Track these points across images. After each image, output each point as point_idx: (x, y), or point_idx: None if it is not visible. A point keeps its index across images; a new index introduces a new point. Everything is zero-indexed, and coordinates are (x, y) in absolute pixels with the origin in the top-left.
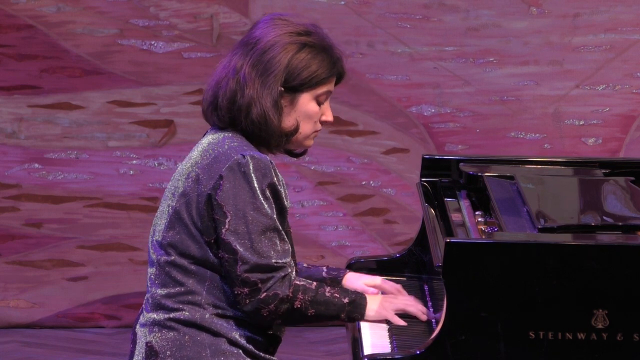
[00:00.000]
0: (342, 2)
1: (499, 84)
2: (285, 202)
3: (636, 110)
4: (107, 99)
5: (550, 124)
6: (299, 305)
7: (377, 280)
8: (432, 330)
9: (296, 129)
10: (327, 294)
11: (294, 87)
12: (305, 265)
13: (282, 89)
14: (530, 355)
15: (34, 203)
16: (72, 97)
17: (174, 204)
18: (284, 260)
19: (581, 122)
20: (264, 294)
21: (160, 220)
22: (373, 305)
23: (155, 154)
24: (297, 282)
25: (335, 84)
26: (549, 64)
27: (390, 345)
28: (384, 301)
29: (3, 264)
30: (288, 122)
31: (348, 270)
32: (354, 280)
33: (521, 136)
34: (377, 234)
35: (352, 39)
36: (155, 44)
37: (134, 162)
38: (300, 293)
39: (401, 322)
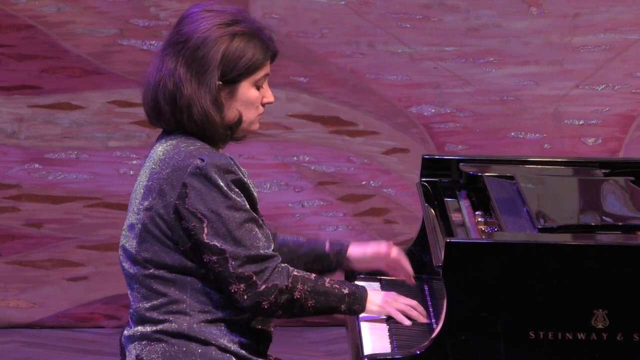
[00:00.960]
0: (343, 2)
1: (499, 84)
2: (254, 193)
3: (636, 110)
4: (107, 99)
5: (550, 124)
6: (298, 296)
7: (382, 247)
8: (432, 330)
9: (240, 120)
10: (327, 285)
11: (231, 79)
12: (302, 239)
13: (220, 83)
14: (530, 355)
15: (34, 203)
16: (72, 97)
17: (140, 217)
18: (271, 249)
19: (581, 122)
20: (263, 286)
21: (129, 234)
22: (376, 300)
23: None
24: (296, 273)
25: (271, 62)
26: (548, 64)
27: (390, 346)
28: (387, 297)
29: (3, 264)
30: (230, 114)
31: (351, 242)
32: (358, 251)
33: (521, 136)
34: (377, 234)
35: (352, 39)
36: (156, 44)
37: (134, 162)
38: (299, 283)
39: (406, 322)
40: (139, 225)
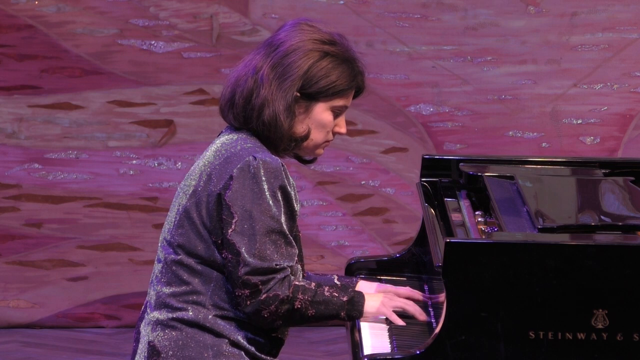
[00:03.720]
0: (341, 2)
1: (497, 83)
2: (296, 205)
3: (634, 109)
4: (107, 99)
5: (548, 123)
6: (299, 306)
7: (389, 288)
8: (432, 330)
9: (307, 136)
10: (327, 293)
11: (310, 94)
12: (310, 274)
13: (298, 94)
14: (530, 355)
15: (34, 203)
16: (72, 97)
17: (184, 202)
18: (286, 263)
19: (579, 121)
20: (264, 295)
21: (170, 219)
22: (372, 302)
23: (155, 154)
24: (297, 283)
25: (354, 98)
26: (546, 62)
27: (390, 345)
28: (384, 298)
29: (3, 264)
30: (300, 128)
31: (360, 279)
32: (366, 290)
33: (519, 135)
34: (377, 233)
35: (351, 39)
36: (155, 44)
37: (134, 162)
38: (300, 293)
39: (400, 322)
40: (181, 209)
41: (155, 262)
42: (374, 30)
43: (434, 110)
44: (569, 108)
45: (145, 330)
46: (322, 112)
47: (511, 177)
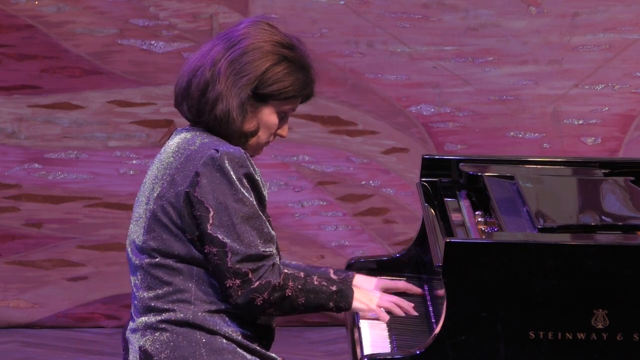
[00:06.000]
0: (342, 2)
1: (498, 84)
2: (264, 192)
3: (635, 110)
4: (107, 98)
5: (549, 124)
6: (289, 293)
7: (388, 284)
8: (432, 330)
9: (256, 131)
10: (316, 282)
11: (262, 95)
12: (310, 266)
13: (251, 93)
14: (530, 355)
15: (34, 203)
16: (72, 97)
17: (150, 207)
18: (270, 249)
19: (580, 122)
20: (257, 282)
21: (136, 227)
22: (362, 298)
23: (155, 153)
24: (286, 271)
25: (301, 103)
26: (547, 63)
27: (390, 345)
28: (371, 294)
29: (3, 264)
30: (249, 124)
31: (355, 273)
32: (365, 284)
33: (520, 135)
34: (377, 233)
35: (351, 39)
36: (155, 44)
37: (134, 162)
38: (290, 281)
39: (386, 317)
40: (147, 214)
41: (130, 272)
42: (375, 30)
43: (434, 111)
44: (570, 108)
45: (133, 337)
46: (269, 114)
47: (511, 177)
